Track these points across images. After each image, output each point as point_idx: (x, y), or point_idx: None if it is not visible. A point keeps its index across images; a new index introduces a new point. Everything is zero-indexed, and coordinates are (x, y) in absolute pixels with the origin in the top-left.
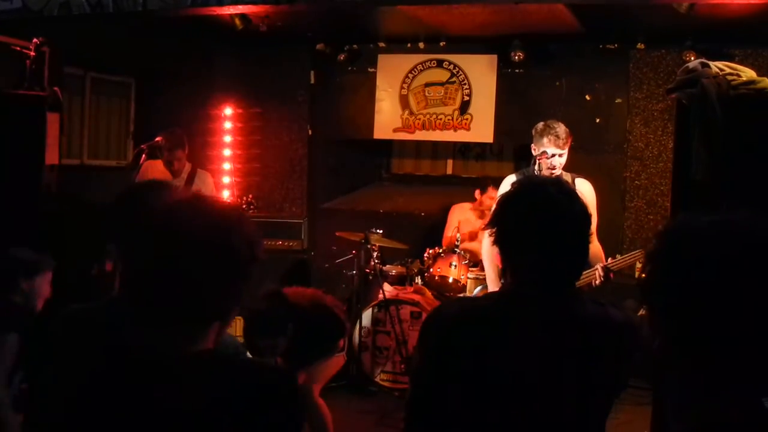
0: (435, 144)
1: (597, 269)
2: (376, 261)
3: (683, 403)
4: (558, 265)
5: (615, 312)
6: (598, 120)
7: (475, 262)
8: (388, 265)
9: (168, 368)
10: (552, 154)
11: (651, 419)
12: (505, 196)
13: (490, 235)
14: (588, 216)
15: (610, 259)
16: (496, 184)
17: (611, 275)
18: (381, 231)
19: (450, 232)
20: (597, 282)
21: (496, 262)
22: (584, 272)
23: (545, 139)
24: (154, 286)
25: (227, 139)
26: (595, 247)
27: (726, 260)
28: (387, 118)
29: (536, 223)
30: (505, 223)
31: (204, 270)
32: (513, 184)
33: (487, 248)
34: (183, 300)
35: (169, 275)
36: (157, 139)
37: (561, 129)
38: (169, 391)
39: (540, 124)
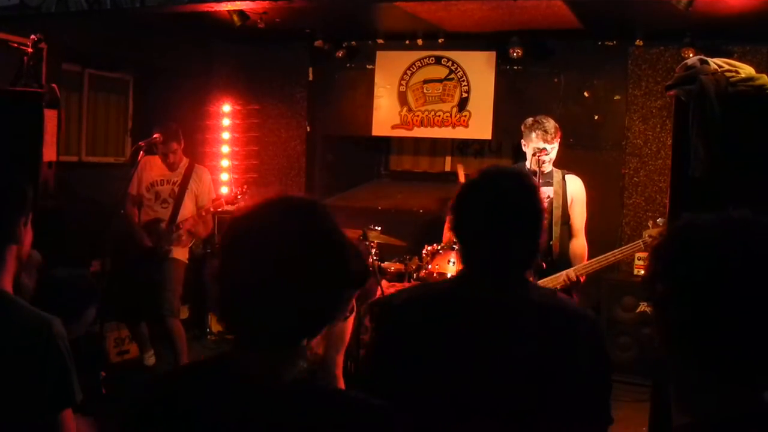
0: (433, 141)
1: (566, 273)
2: (375, 258)
3: (686, 397)
4: (508, 253)
5: (566, 300)
6: (596, 117)
7: None
8: (386, 262)
9: (277, 396)
10: (540, 148)
11: (649, 416)
12: (464, 186)
13: (448, 222)
14: (541, 210)
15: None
16: None
17: (581, 279)
18: (379, 228)
19: (448, 232)
20: (561, 285)
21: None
22: (554, 275)
23: (533, 134)
24: (259, 300)
25: (225, 135)
26: (579, 244)
27: (729, 257)
28: (385, 115)
29: (488, 213)
30: (460, 211)
31: (312, 287)
32: (474, 174)
33: None
34: (286, 319)
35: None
36: (155, 135)
37: (549, 124)
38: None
39: (528, 120)
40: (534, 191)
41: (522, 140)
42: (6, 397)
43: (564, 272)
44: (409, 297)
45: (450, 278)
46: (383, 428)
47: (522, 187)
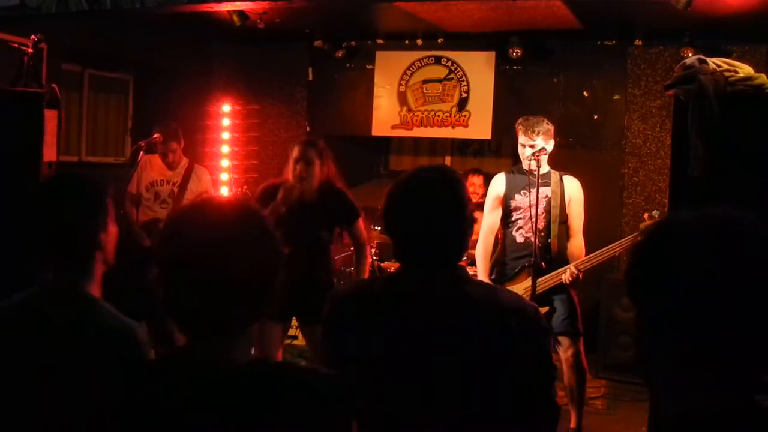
0: (433, 141)
1: (568, 268)
2: (375, 258)
3: (667, 394)
4: (434, 246)
5: (505, 295)
6: (595, 117)
7: (472, 260)
8: (386, 262)
9: (232, 378)
10: (521, 143)
11: (649, 415)
12: (391, 185)
13: (382, 220)
14: (463, 200)
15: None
16: (480, 174)
17: (580, 275)
18: (379, 227)
19: None
20: (566, 280)
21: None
22: (556, 271)
23: (520, 130)
24: (207, 294)
25: (225, 135)
26: (577, 244)
27: (708, 253)
28: (385, 115)
29: (411, 207)
30: (387, 209)
31: (253, 274)
32: (403, 172)
33: (479, 243)
34: (233, 308)
35: (222, 283)
36: (155, 135)
37: (536, 120)
38: (235, 402)
39: (519, 119)
40: (456, 182)
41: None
42: (83, 399)
43: (566, 267)
44: (347, 292)
45: (389, 274)
46: (333, 393)
47: (443, 179)
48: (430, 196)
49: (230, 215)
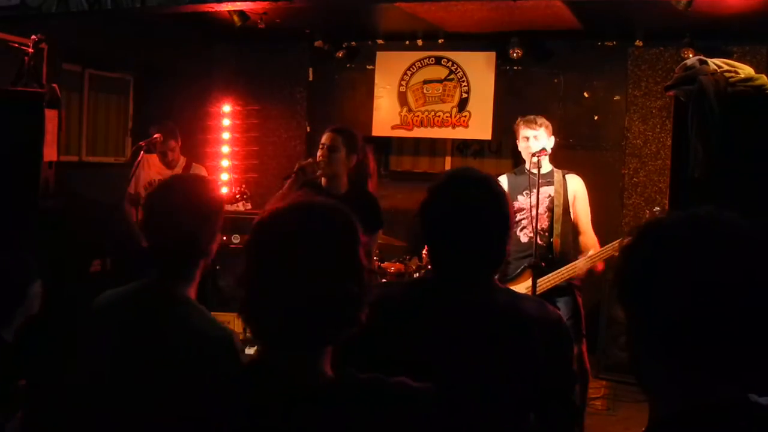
0: (433, 141)
1: (580, 259)
2: (375, 258)
3: (662, 398)
4: (472, 259)
5: (528, 302)
6: (596, 117)
7: None
8: (386, 262)
9: (325, 393)
10: (525, 136)
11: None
12: (431, 190)
13: (417, 223)
14: (507, 216)
15: (592, 250)
16: None
17: (600, 265)
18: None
19: None
20: (581, 272)
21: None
22: (559, 269)
23: (521, 125)
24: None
25: (225, 135)
26: (590, 239)
27: (692, 253)
28: (385, 116)
29: (455, 219)
30: (427, 215)
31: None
32: (441, 177)
33: None
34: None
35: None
36: (155, 135)
37: (534, 116)
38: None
39: (518, 119)
40: (502, 197)
41: (517, 142)
42: (176, 402)
43: (578, 261)
44: (375, 295)
45: (416, 278)
46: (423, 410)
47: (489, 193)
48: (474, 211)
49: (322, 222)
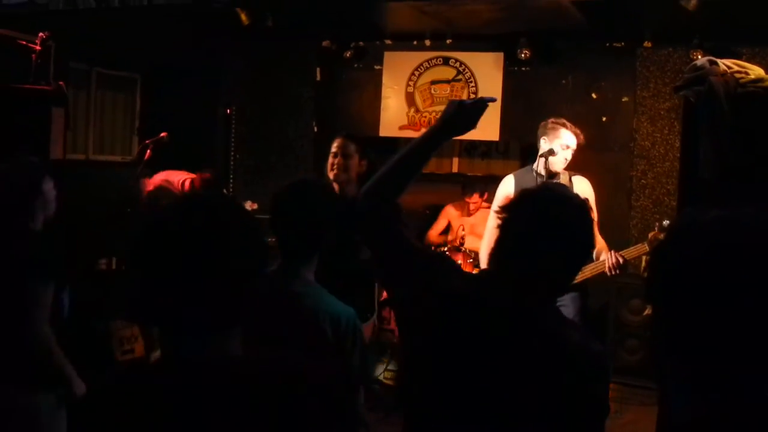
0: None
1: (609, 257)
2: None
3: (687, 396)
4: (542, 272)
5: (573, 331)
6: (604, 118)
7: (477, 262)
8: None
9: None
10: (566, 144)
11: (657, 419)
12: (525, 197)
13: (497, 219)
14: (592, 245)
15: (604, 252)
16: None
17: (621, 259)
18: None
19: (433, 230)
20: (613, 270)
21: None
22: (593, 263)
23: (562, 131)
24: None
25: (232, 134)
26: (598, 241)
27: (729, 254)
28: (393, 116)
29: (541, 231)
30: (515, 220)
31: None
32: (536, 189)
33: (484, 241)
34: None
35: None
36: (162, 134)
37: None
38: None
39: (551, 119)
40: (591, 225)
41: (543, 138)
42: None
43: (604, 259)
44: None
45: (473, 275)
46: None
47: (581, 217)
48: (562, 230)
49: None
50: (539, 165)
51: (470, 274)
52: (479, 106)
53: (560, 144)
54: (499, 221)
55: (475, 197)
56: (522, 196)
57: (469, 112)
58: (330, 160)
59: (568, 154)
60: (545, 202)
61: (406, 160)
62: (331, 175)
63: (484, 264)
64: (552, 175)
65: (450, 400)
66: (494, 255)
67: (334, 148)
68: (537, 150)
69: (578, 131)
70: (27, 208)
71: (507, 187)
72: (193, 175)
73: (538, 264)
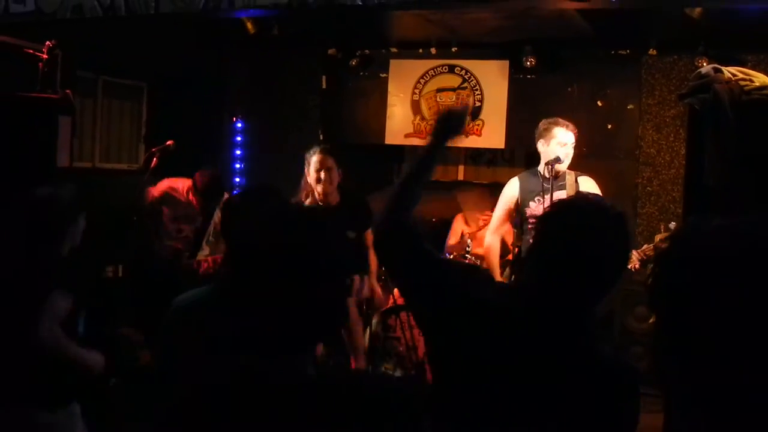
0: (446, 149)
1: (632, 254)
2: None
3: (689, 404)
4: (587, 288)
5: (605, 354)
6: (609, 126)
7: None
8: None
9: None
10: (562, 141)
11: (663, 427)
12: (561, 208)
13: (532, 229)
14: (626, 263)
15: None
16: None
17: (643, 255)
18: None
19: (452, 240)
20: (636, 266)
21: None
22: None
23: (556, 129)
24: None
25: (238, 142)
26: None
27: (731, 264)
28: (398, 124)
29: (577, 246)
30: (551, 231)
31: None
32: (572, 199)
33: (487, 240)
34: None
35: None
36: (168, 143)
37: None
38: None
39: (543, 121)
40: (628, 236)
41: (540, 141)
42: None
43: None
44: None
45: (506, 286)
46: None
47: (618, 228)
48: (599, 244)
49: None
50: (544, 167)
51: (503, 284)
52: (461, 111)
53: (556, 143)
54: (534, 232)
55: (487, 213)
56: (558, 206)
57: (452, 117)
58: (313, 175)
59: (568, 150)
60: (582, 212)
61: (416, 173)
62: (318, 188)
63: (493, 260)
64: (557, 175)
65: (479, 413)
66: (528, 266)
67: (315, 164)
68: (539, 155)
69: (570, 123)
70: (60, 234)
71: (512, 189)
72: None
73: (575, 276)
